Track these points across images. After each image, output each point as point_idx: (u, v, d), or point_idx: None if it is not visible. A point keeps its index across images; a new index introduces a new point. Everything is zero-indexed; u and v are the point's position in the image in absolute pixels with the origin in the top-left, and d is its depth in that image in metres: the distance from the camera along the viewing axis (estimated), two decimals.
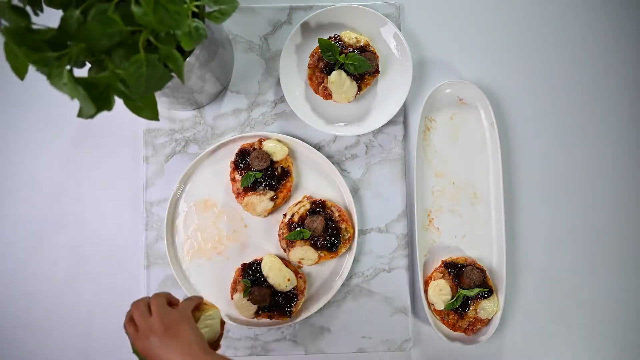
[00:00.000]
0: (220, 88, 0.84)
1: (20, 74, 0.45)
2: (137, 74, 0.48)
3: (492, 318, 0.81)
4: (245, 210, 0.82)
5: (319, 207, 0.79)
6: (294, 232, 0.78)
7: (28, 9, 0.48)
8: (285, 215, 0.81)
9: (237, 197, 0.82)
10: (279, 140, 0.82)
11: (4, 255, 0.85)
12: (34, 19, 0.48)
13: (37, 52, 0.43)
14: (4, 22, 0.45)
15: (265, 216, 0.83)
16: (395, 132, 0.86)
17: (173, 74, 0.59)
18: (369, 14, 0.82)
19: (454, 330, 0.81)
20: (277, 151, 0.81)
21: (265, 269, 0.78)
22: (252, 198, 0.80)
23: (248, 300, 0.77)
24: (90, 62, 0.53)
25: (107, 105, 0.47)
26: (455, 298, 0.79)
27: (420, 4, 0.88)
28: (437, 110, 0.86)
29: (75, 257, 0.85)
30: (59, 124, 0.86)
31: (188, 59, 0.64)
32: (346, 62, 0.78)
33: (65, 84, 0.44)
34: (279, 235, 0.81)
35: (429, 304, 0.82)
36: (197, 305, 0.65)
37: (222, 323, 0.67)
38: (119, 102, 0.53)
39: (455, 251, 0.85)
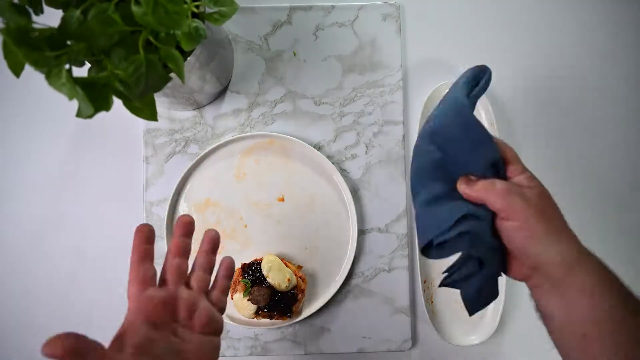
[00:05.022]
0: (220, 88, 0.84)
1: (17, 72, 0.45)
2: (137, 74, 0.48)
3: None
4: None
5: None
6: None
7: (29, 9, 0.48)
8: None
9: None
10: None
11: (3, 255, 0.85)
12: (34, 18, 0.48)
13: (36, 51, 0.43)
14: (2, 21, 0.45)
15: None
16: (395, 132, 0.86)
17: (173, 74, 0.59)
18: None
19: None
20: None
21: (265, 269, 0.78)
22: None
23: (248, 300, 0.78)
24: (90, 62, 0.53)
25: (106, 105, 0.47)
26: None
27: (420, 4, 0.88)
28: None
29: (75, 257, 0.85)
30: (59, 123, 0.86)
31: (188, 59, 0.64)
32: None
33: (64, 84, 0.44)
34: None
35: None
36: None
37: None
38: (118, 102, 0.53)
39: None
